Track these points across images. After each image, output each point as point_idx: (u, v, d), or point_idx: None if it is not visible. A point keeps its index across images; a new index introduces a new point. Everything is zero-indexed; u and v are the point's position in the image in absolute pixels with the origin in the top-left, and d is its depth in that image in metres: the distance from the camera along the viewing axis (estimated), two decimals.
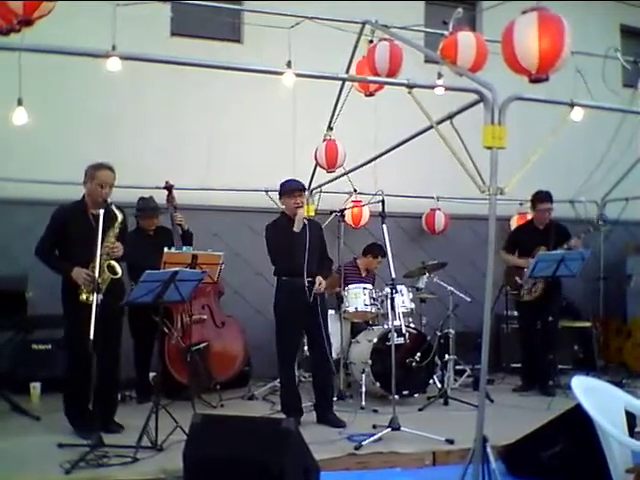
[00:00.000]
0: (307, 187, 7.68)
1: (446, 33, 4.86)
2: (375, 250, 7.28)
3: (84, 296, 4.82)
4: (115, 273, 4.93)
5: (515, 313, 7.62)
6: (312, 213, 7.65)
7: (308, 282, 5.45)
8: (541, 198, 6.96)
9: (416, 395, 6.43)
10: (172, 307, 6.07)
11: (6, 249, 6.82)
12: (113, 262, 4.94)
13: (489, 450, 3.87)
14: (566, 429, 4.38)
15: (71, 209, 5.17)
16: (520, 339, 7.35)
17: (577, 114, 4.80)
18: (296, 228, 5.50)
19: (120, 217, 5.00)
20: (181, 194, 6.77)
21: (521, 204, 8.42)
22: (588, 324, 8.29)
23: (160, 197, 6.63)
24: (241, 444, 3.80)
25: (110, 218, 4.90)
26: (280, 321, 5.62)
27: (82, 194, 5.18)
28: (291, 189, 5.61)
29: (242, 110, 7.89)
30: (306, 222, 5.55)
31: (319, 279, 5.49)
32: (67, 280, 4.99)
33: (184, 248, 6.23)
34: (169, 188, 6.59)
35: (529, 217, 8.44)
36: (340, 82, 6.79)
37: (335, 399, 6.05)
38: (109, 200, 4.97)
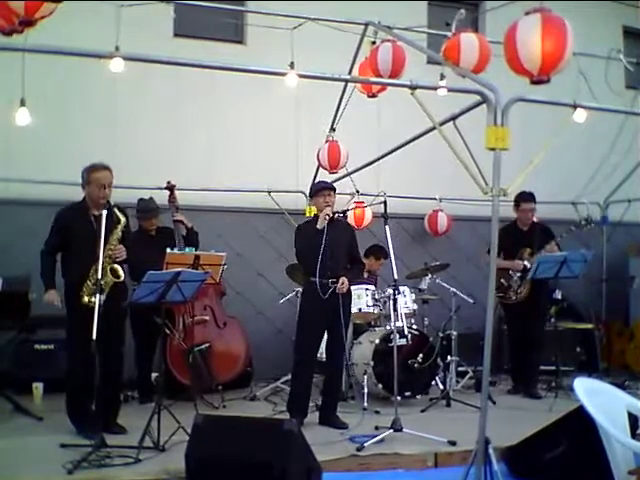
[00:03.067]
0: (309, 188, 7.70)
1: (449, 34, 4.86)
2: (377, 252, 7.28)
3: (86, 299, 4.82)
4: (118, 277, 4.92)
5: None
6: (313, 214, 7.69)
7: (331, 282, 5.45)
8: (525, 198, 6.89)
9: (418, 396, 6.43)
10: (174, 308, 6.07)
11: (9, 249, 6.82)
12: (116, 265, 4.94)
13: (491, 451, 3.88)
14: (568, 431, 4.37)
15: (72, 210, 5.16)
16: (508, 341, 7.38)
17: (580, 116, 4.81)
18: (319, 225, 5.52)
19: (123, 220, 4.99)
20: (183, 195, 6.77)
21: None
22: (590, 326, 8.27)
23: (162, 197, 6.63)
24: (243, 445, 3.80)
25: (112, 221, 4.87)
26: (300, 320, 5.67)
27: (83, 196, 5.17)
28: (320, 188, 5.75)
29: (244, 111, 7.89)
30: (327, 221, 5.51)
31: (342, 279, 5.49)
32: (69, 282, 5.00)
33: (187, 249, 6.23)
34: (171, 188, 6.58)
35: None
36: (343, 83, 6.80)
37: None
38: (112, 202, 4.93)
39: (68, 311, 5.07)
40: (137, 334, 6.29)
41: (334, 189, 5.75)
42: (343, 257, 5.69)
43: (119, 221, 4.95)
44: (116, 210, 4.92)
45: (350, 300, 5.82)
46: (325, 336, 5.73)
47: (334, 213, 5.62)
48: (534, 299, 6.88)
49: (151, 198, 6.59)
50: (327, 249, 5.44)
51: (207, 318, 6.45)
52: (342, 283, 5.48)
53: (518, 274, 6.89)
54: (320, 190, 5.72)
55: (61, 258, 5.15)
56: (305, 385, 5.61)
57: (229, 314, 6.72)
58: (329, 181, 7.51)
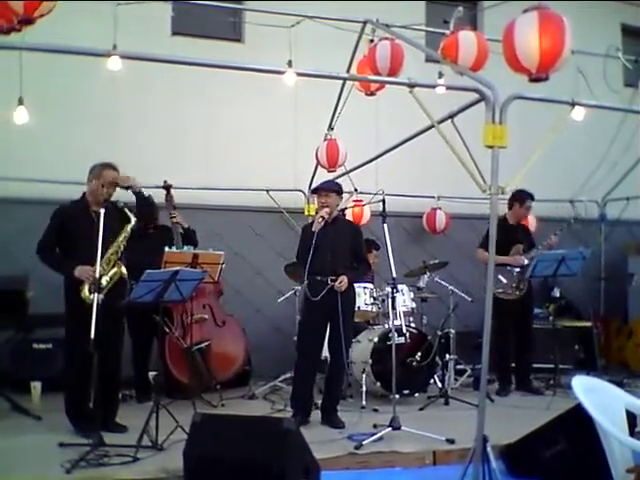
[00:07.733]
0: (308, 187, 7.71)
1: (447, 32, 4.87)
2: (368, 244, 7.22)
3: (86, 292, 4.81)
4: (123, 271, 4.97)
5: None
6: (312, 212, 7.69)
7: (330, 280, 5.42)
8: (531, 196, 6.90)
9: (417, 395, 6.43)
10: (173, 307, 6.07)
11: (7, 248, 6.82)
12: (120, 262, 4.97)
13: (489, 449, 3.89)
14: (567, 429, 4.37)
15: (72, 207, 5.18)
16: (495, 339, 7.27)
17: (578, 113, 4.80)
18: (314, 227, 5.48)
19: (133, 220, 5.02)
20: (182, 193, 6.77)
21: None
22: (589, 324, 8.25)
23: (160, 196, 6.61)
24: (242, 443, 3.80)
25: (122, 219, 4.96)
26: (301, 319, 5.71)
27: (82, 192, 5.18)
28: (315, 189, 5.73)
29: (243, 109, 7.88)
30: (321, 224, 5.46)
31: (342, 277, 5.42)
32: (70, 278, 4.99)
33: (185, 247, 6.23)
34: (167, 188, 6.57)
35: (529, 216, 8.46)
36: (341, 81, 6.80)
37: None
38: (122, 202, 5.01)
39: (67, 308, 5.07)
40: (134, 333, 6.27)
41: (333, 190, 5.60)
42: (345, 256, 5.60)
43: (129, 221, 4.99)
44: (126, 210, 4.98)
45: (352, 298, 5.75)
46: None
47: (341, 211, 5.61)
48: (526, 297, 6.87)
49: (149, 196, 6.58)
50: (326, 249, 5.41)
51: (206, 317, 6.44)
52: (340, 282, 5.42)
53: (517, 269, 6.83)
54: (315, 191, 5.70)
55: (60, 254, 5.13)
56: (305, 385, 5.58)
57: (228, 313, 6.72)
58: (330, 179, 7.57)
